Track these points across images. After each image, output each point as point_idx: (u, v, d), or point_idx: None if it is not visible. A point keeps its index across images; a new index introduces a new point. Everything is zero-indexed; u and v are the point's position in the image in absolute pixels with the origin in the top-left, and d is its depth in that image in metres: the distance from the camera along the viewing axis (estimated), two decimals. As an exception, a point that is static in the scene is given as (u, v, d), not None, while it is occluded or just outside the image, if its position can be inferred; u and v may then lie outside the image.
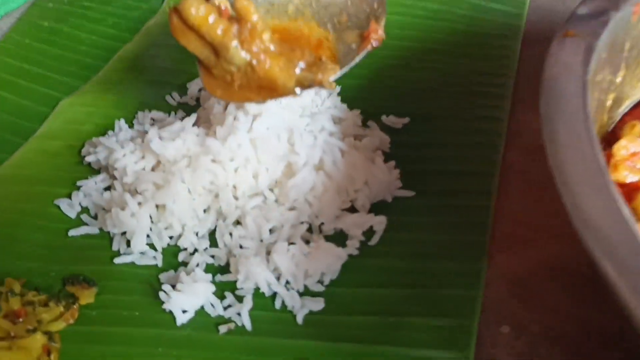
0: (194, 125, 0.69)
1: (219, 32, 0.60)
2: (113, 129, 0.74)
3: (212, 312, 0.58)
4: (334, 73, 0.61)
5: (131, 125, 0.75)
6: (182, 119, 0.74)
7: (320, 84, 0.60)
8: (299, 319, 0.58)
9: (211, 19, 0.59)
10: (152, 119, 0.76)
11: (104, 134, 0.74)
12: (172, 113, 0.77)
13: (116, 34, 0.90)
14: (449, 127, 0.76)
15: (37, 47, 0.87)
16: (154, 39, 0.88)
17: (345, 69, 0.64)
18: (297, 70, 0.60)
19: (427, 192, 0.69)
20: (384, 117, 0.76)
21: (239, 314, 0.58)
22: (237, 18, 0.60)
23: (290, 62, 0.60)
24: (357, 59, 0.64)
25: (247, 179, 0.65)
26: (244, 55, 0.60)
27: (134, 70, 0.84)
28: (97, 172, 0.71)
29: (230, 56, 0.60)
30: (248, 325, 0.57)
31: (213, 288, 0.59)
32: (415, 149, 0.74)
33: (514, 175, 0.72)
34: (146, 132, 0.70)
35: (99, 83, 0.82)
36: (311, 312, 0.58)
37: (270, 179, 0.66)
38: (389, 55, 0.84)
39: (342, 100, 0.76)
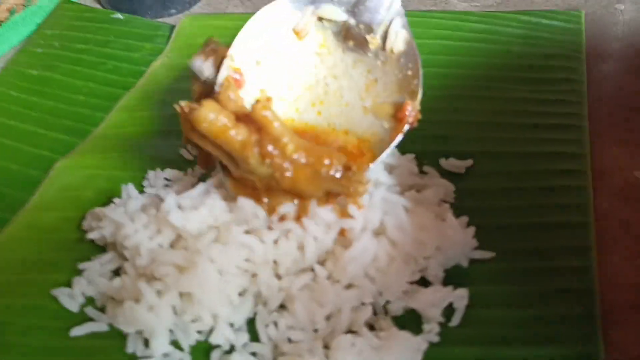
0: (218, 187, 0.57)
1: (237, 143, 0.50)
2: (119, 195, 0.61)
3: None
4: (364, 189, 0.52)
5: (141, 189, 0.62)
6: (201, 177, 0.61)
7: (349, 198, 0.51)
8: None
9: (229, 129, 0.50)
10: (166, 179, 0.63)
11: (108, 202, 0.61)
12: (189, 170, 0.64)
13: (117, 79, 0.77)
14: (520, 167, 0.63)
15: (24, 100, 0.75)
16: (161, 82, 0.75)
17: (380, 159, 0.54)
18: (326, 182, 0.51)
19: (509, 251, 0.56)
20: (442, 161, 0.64)
21: None
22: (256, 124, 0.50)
23: (317, 173, 0.50)
24: (392, 145, 0.55)
25: (290, 251, 0.52)
26: (266, 168, 0.50)
27: (140, 121, 0.71)
28: (103, 249, 0.58)
29: (251, 168, 0.51)
30: None
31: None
32: (486, 198, 0.61)
33: (610, 226, 0.59)
34: (160, 199, 0.57)
35: (99, 139, 0.69)
36: None
37: (320, 250, 0.53)
38: (435, 86, 0.71)
39: (392, 143, 0.64)
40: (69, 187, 0.63)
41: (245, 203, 0.53)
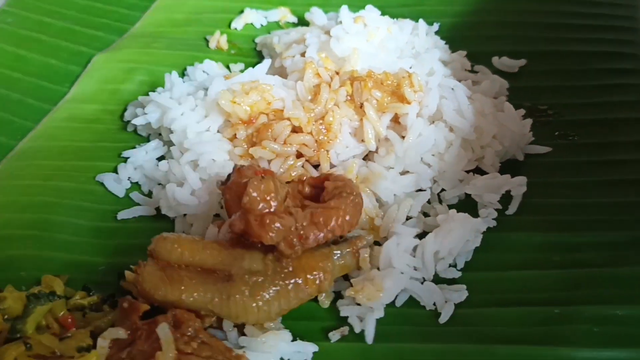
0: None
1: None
2: (162, 86, 0.59)
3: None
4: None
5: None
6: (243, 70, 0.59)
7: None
8: (444, 317, 0.43)
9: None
10: (205, 72, 0.61)
11: (148, 94, 0.58)
12: (231, 65, 0.62)
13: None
14: (576, 66, 0.61)
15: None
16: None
17: None
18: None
19: (566, 146, 0.55)
20: (495, 59, 0.62)
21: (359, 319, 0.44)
22: None
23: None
24: None
25: (343, 136, 0.51)
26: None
27: (177, 22, 0.69)
28: (146, 139, 0.57)
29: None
30: (370, 335, 0.43)
31: (289, 336, 0.43)
32: (540, 96, 0.59)
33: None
34: (205, 88, 0.55)
35: (137, 36, 0.67)
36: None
37: (374, 136, 0.51)
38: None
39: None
40: (109, 80, 0.62)
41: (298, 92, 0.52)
